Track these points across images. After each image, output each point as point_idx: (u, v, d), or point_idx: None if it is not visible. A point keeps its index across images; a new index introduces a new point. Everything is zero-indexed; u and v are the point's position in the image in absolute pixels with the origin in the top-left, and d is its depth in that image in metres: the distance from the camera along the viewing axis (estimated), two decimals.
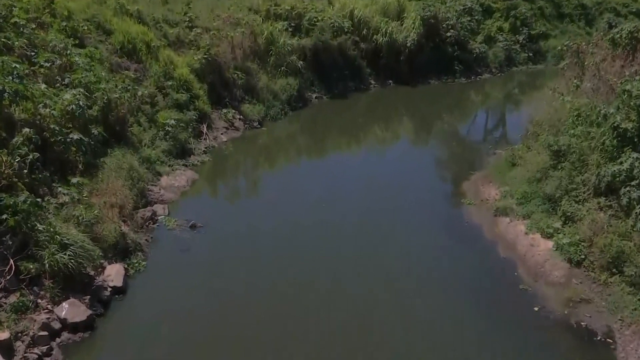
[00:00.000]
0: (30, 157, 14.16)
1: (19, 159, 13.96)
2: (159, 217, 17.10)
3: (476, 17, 37.70)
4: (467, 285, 14.40)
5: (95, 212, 14.38)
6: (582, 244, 14.76)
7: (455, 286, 14.34)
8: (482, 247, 16.26)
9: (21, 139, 14.41)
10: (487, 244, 16.43)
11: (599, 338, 12.72)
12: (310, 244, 15.94)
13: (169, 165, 20.30)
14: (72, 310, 12.42)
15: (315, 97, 30.68)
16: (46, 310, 12.30)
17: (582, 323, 13.14)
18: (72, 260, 12.73)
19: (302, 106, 29.45)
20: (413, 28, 34.10)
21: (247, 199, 19.80)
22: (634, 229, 14.04)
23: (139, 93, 21.04)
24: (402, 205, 18.57)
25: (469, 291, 14.16)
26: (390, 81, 34.46)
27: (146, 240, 15.84)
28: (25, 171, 14.02)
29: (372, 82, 33.90)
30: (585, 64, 19.62)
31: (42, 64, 17.81)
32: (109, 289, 13.46)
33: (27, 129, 14.72)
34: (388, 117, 30.33)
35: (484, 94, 35.44)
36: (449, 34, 35.42)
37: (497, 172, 20.06)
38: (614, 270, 13.88)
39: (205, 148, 22.89)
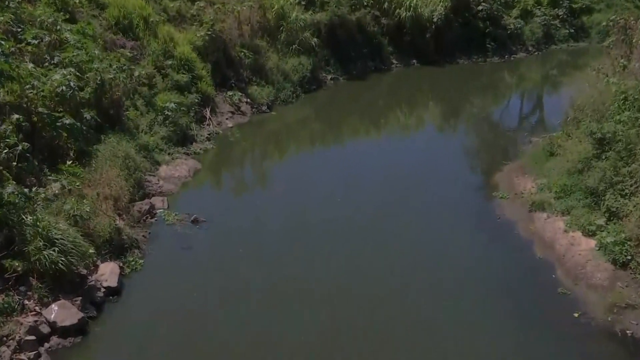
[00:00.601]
0: (20, 148, 14.19)
1: (7, 150, 14.00)
2: (157, 211, 17.13)
3: None
4: (500, 289, 14.27)
5: (88, 204, 14.41)
6: (629, 243, 14.53)
7: (486, 289, 14.22)
8: (516, 246, 16.13)
9: (10, 126, 14.47)
10: (521, 243, 16.30)
11: None
12: (324, 244, 15.86)
13: (169, 154, 20.35)
14: (62, 312, 12.47)
15: (331, 79, 30.63)
16: (34, 313, 12.36)
17: (628, 331, 12.96)
18: (62, 258, 12.77)
19: (316, 88, 29.41)
20: (440, 1, 33.83)
21: (255, 191, 19.79)
22: None
23: (136, 73, 21.06)
24: (427, 199, 18.48)
25: (501, 295, 14.02)
26: (415, 61, 34.34)
27: (143, 236, 15.87)
28: (14, 163, 14.07)
29: (394, 61, 33.79)
30: (634, 41, 19.31)
31: (29, 41, 17.85)
32: (103, 290, 13.49)
33: (15, 116, 14.77)
34: (412, 100, 30.22)
35: (519, 75, 35.17)
36: (480, 8, 35.16)
37: (533, 163, 19.93)
38: None
39: (209, 134, 22.93)
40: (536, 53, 37.75)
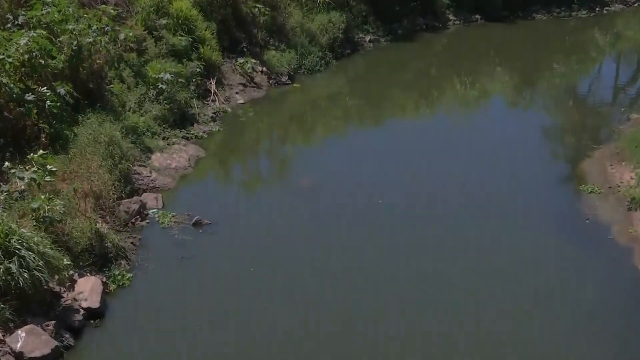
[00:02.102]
0: None
1: None
2: (149, 211, 17.13)
3: None
4: (592, 309, 14.04)
5: (62, 203, 14.44)
6: None
7: (575, 310, 14.03)
8: (612, 254, 15.91)
9: None
10: (618, 250, 16.09)
11: None
12: (362, 257, 15.72)
13: (164, 138, 20.38)
14: (30, 340, 12.50)
15: (370, 40, 30.48)
16: None
17: None
18: (25, 272, 12.74)
19: (351, 53, 29.29)
20: None
21: (272, 186, 19.74)
22: None
23: (122, 36, 21.08)
24: (495, 195, 18.29)
25: (594, 317, 13.79)
26: (478, 16, 34.00)
27: (132, 243, 15.88)
28: None
29: (451, 17, 33.51)
30: None
31: None
32: (81, 312, 13.50)
33: None
34: (474, 67, 29.91)
35: (614, 33, 34.64)
36: None
37: (633, 147, 19.70)
38: None
39: (214, 113, 22.93)
40: (636, 4, 37.15)
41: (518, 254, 15.87)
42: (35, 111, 16.29)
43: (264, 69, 25.97)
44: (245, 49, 25.90)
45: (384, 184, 18.97)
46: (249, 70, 25.36)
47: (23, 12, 18.39)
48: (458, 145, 21.75)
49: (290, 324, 13.63)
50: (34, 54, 16.62)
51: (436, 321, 13.72)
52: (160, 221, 16.84)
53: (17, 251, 12.82)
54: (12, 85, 15.99)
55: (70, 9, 19.57)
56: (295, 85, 26.16)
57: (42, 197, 14.31)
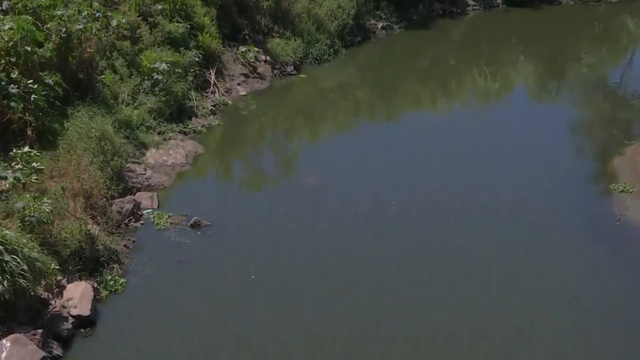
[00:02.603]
0: None
1: None
2: (144, 212, 17.18)
3: None
4: (623, 313, 14.00)
5: (49, 203, 14.46)
6: None
7: (605, 314, 13.98)
8: None
9: None
10: None
11: None
12: (374, 264, 15.64)
13: (159, 133, 20.44)
14: (16, 350, 12.51)
15: (382, 27, 30.47)
16: None
17: None
18: (8, 277, 12.75)
19: (362, 41, 29.31)
20: None
21: (276, 184, 19.74)
22: None
23: (114, 23, 21.14)
24: (519, 195, 18.28)
25: (630, 334, 13.69)
26: (499, 1, 33.94)
27: (125, 246, 15.91)
28: None
29: (471, 2, 33.45)
30: None
31: None
32: (71, 320, 13.51)
33: None
34: (495, 56, 29.88)
35: None
36: None
37: None
38: None
39: (214, 106, 22.97)
40: None
41: (544, 257, 15.81)
42: (21, 104, 16.30)
43: (268, 58, 25.98)
44: (247, 37, 25.92)
45: (397, 183, 18.93)
46: (251, 60, 25.37)
47: None
48: (478, 141, 21.73)
49: (295, 337, 13.53)
50: (19, 40, 16.62)
51: (463, 326, 13.68)
52: (155, 222, 16.86)
53: (5, 254, 12.84)
54: None
55: None
56: (301, 75, 26.17)
57: (28, 196, 14.33)
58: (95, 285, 14.49)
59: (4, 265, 12.75)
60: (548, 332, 13.72)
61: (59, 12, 18.69)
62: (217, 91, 23.60)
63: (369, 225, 17.12)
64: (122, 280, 14.83)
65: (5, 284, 12.65)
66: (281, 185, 19.66)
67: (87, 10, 20.13)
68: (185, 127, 21.35)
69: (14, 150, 15.46)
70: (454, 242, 16.39)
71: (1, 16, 17.75)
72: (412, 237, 16.61)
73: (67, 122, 17.61)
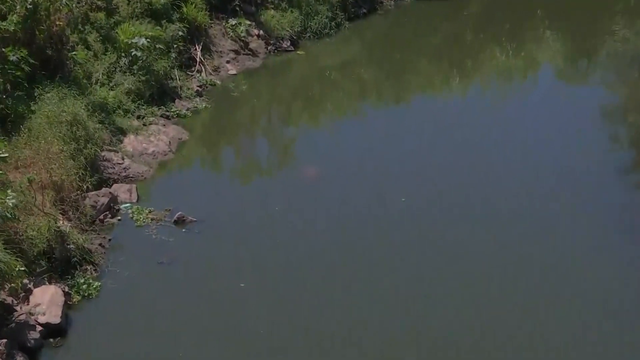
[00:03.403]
0: None
1: None
2: (121, 206, 17.15)
3: None
4: None
5: (14, 197, 14.38)
6: None
7: (637, 313, 14.03)
8: None
9: None
10: None
11: None
12: (380, 265, 15.59)
13: (139, 117, 20.40)
14: None
15: None
16: None
17: None
18: None
19: (367, 13, 29.21)
20: None
21: (271, 175, 19.80)
22: None
23: None
24: (545, 187, 18.26)
25: None
26: None
27: (100, 245, 15.87)
28: None
29: None
30: None
31: None
32: (38, 328, 13.50)
33: None
34: (517, 31, 29.81)
35: None
36: None
37: None
38: None
39: (200, 87, 22.91)
40: None
41: (573, 254, 15.85)
42: None
43: (261, 32, 25.89)
44: (237, 8, 25.83)
45: (407, 175, 18.92)
46: (242, 34, 25.29)
47: None
48: (498, 127, 21.74)
49: (290, 347, 13.52)
50: None
51: (486, 325, 13.79)
52: (134, 218, 16.83)
53: None
54: None
55: None
56: (298, 52, 26.10)
57: None
58: (66, 289, 14.43)
59: None
60: (580, 336, 13.78)
61: None
62: (203, 70, 23.52)
63: (375, 223, 17.10)
64: (96, 283, 14.78)
65: None
66: (276, 177, 19.69)
67: None
68: (167, 111, 21.29)
69: None
70: (475, 242, 16.35)
71: None
72: (425, 234, 16.55)
73: (34, 104, 17.53)
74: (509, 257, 15.81)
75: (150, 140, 19.70)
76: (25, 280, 14.03)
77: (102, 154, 18.39)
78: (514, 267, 15.51)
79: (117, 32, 21.56)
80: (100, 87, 20.09)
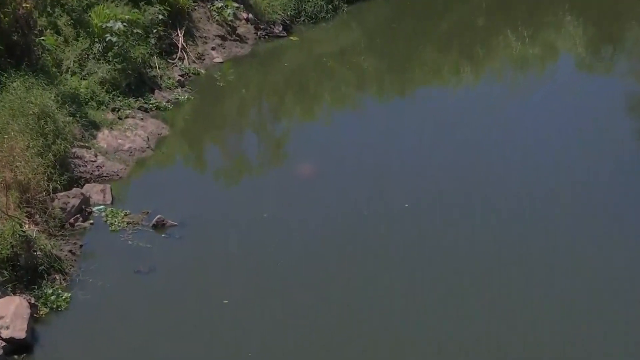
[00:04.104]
0: None
1: None
2: (94, 209, 17.11)
3: None
4: None
5: None
6: None
7: None
8: None
9: None
10: None
11: None
12: (383, 276, 15.49)
13: (114, 110, 20.36)
14: None
15: None
16: None
17: None
18: None
19: None
20: None
21: (261, 174, 19.79)
22: None
23: None
24: (565, 187, 18.29)
25: None
26: None
27: (71, 251, 15.82)
28: None
29: None
30: None
31: None
32: (1, 344, 13.46)
33: None
34: (534, 16, 29.85)
35: None
36: None
37: None
38: None
39: (183, 76, 22.92)
40: None
41: (599, 259, 15.85)
42: None
43: (250, 16, 25.90)
44: None
45: (411, 175, 18.90)
46: (229, 18, 25.30)
47: None
48: (513, 123, 21.80)
49: (271, 342, 13.68)
50: None
51: (495, 333, 13.79)
52: (108, 222, 16.79)
53: None
54: None
55: None
56: (292, 38, 26.11)
57: None
58: (33, 300, 14.36)
59: None
60: (612, 326, 13.96)
61: None
62: (186, 57, 23.51)
63: (376, 227, 17.05)
64: (66, 294, 14.73)
65: None
66: (267, 176, 19.68)
67: None
68: (146, 103, 21.29)
69: None
70: (486, 250, 16.30)
71: None
72: (432, 246, 16.43)
73: None
74: (538, 258, 15.91)
75: (126, 135, 19.68)
76: None
77: (73, 150, 18.34)
78: (544, 270, 15.61)
79: (90, 15, 21.54)
80: (71, 76, 20.07)
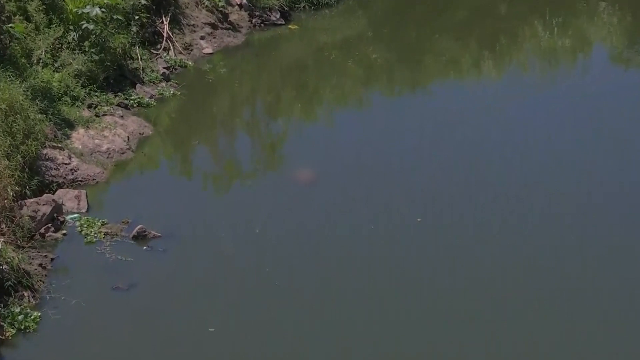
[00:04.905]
0: None
1: None
2: (67, 217, 17.15)
3: None
4: None
5: None
6: None
7: None
8: None
9: None
10: None
11: None
12: (391, 295, 15.44)
13: (91, 106, 20.42)
14: None
15: None
16: None
17: None
18: None
19: None
20: None
21: (255, 180, 19.84)
22: None
23: None
24: (599, 199, 18.23)
25: None
26: None
27: (41, 265, 15.79)
28: None
29: None
30: None
31: None
32: None
33: None
34: (565, 1, 29.83)
35: None
36: None
37: None
38: None
39: (168, 68, 22.99)
40: None
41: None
42: None
43: (244, 1, 25.95)
44: None
45: (426, 184, 18.86)
46: (220, 4, 25.35)
47: None
48: (541, 123, 21.79)
49: None
50: None
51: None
52: (83, 232, 16.79)
53: None
54: None
55: None
56: (291, 26, 26.18)
57: None
58: None
59: None
60: None
61: None
62: (171, 48, 23.57)
63: (385, 244, 16.92)
64: (35, 314, 14.69)
65: None
66: (262, 182, 19.73)
67: None
68: (126, 99, 21.35)
69: None
70: (505, 272, 16.16)
71: None
72: (447, 265, 16.26)
73: None
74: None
75: (104, 135, 19.73)
76: None
77: (45, 151, 18.37)
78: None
79: (64, 0, 21.58)
80: (43, 68, 20.13)
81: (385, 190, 18.62)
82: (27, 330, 14.44)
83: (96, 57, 21.10)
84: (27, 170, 17.33)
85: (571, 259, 16.40)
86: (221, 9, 25.35)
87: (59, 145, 18.90)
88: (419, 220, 17.62)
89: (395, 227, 17.46)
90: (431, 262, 16.36)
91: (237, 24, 25.48)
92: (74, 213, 17.31)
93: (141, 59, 22.49)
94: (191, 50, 24.10)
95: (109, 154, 19.40)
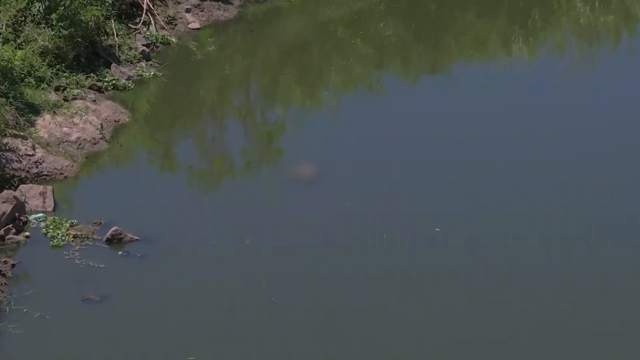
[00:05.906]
0: None
1: None
2: (30, 217, 17.24)
3: None
4: None
5: None
6: None
7: None
8: None
9: None
10: None
11: None
12: (397, 303, 15.58)
13: (58, 89, 20.51)
14: None
15: None
16: None
17: None
18: None
19: None
20: None
21: (249, 176, 19.89)
22: None
23: None
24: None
25: None
26: None
27: (0, 272, 15.87)
28: None
29: None
30: None
31: None
32: None
33: None
34: None
35: None
36: None
37: None
38: None
39: (148, 46, 23.06)
40: None
41: None
42: None
43: None
44: None
45: (445, 182, 19.00)
46: None
47: None
48: (579, 110, 21.83)
49: None
50: None
51: None
52: (49, 234, 16.88)
53: None
54: None
55: None
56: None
57: None
58: None
59: None
60: None
61: None
62: (152, 22, 23.60)
63: (398, 256, 16.94)
64: None
65: None
66: (256, 179, 19.81)
67: None
68: (100, 80, 21.44)
69: None
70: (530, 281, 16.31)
71: None
72: (465, 276, 16.41)
73: None
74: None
75: (73, 122, 19.81)
76: None
77: (5, 141, 18.48)
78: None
79: None
80: (4, 44, 20.20)
81: (399, 191, 18.72)
82: None
83: (65, 32, 21.17)
84: None
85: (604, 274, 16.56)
86: None
87: (22, 133, 18.99)
88: (437, 229, 17.57)
89: (410, 237, 17.39)
90: (447, 283, 16.27)
91: None
92: (38, 212, 17.38)
93: (117, 35, 22.53)
94: (175, 24, 24.14)
95: (80, 144, 19.45)
